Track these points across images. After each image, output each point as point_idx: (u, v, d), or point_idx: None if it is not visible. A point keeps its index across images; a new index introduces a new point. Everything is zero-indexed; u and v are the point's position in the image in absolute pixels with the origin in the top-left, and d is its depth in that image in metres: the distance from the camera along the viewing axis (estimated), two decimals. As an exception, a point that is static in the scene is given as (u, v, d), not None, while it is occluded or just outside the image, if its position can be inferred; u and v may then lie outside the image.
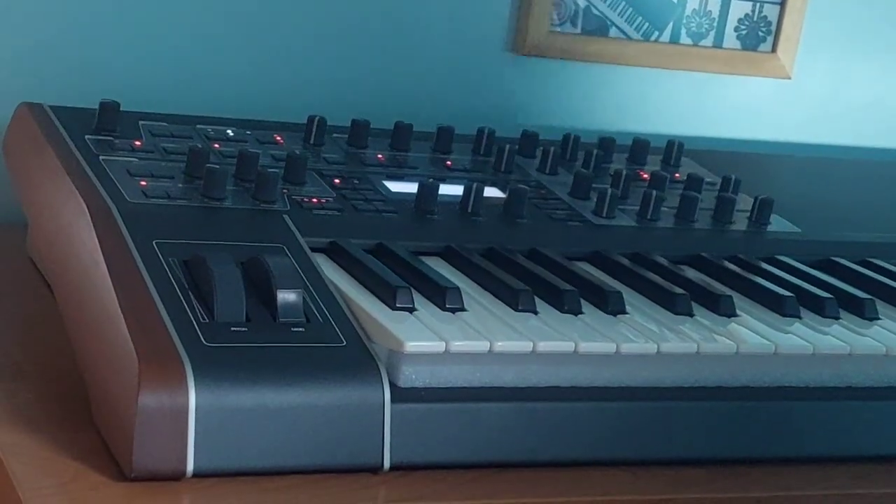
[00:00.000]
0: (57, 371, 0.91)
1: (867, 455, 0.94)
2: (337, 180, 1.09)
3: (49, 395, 0.87)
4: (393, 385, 0.83)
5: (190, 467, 0.78)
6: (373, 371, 0.83)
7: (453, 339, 0.84)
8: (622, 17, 1.40)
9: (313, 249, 0.95)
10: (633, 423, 0.88)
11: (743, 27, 1.46)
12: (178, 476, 0.78)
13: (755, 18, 1.46)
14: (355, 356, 0.84)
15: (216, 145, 1.11)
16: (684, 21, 1.43)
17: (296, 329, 0.85)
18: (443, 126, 1.21)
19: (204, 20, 1.26)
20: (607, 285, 0.97)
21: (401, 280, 0.91)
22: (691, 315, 0.96)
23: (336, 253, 0.97)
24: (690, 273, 1.05)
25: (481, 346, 0.85)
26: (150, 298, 0.84)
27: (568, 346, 0.86)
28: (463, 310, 0.90)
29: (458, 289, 0.91)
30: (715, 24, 1.45)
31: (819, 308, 1.01)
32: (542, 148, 1.21)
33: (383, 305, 0.89)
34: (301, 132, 1.17)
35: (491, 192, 1.11)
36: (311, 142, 1.16)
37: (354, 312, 0.88)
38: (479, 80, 1.36)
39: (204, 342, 0.81)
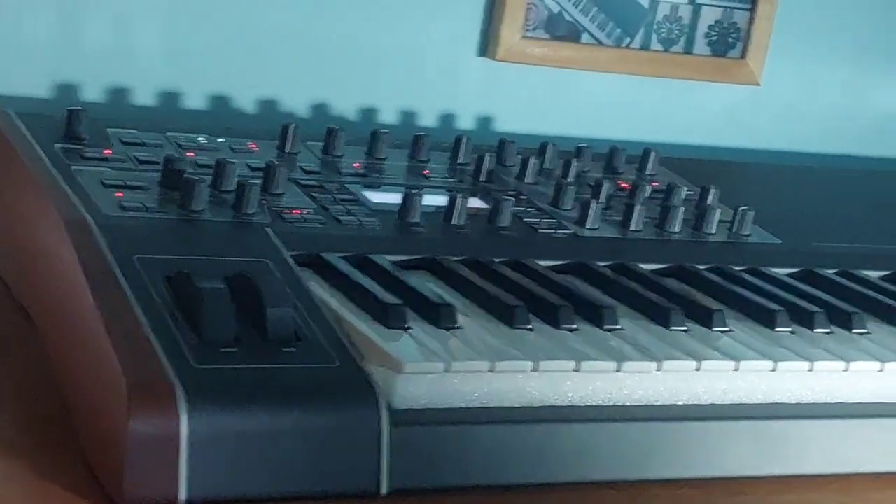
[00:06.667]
0: (35, 393, 0.87)
1: (858, 472, 0.94)
2: (315, 190, 1.06)
3: (29, 419, 0.84)
4: (390, 407, 0.80)
5: (183, 495, 0.75)
6: (369, 393, 0.80)
7: (452, 359, 0.82)
8: (594, 22, 1.39)
9: (298, 264, 0.92)
10: (633, 441, 0.86)
11: (713, 33, 1.45)
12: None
13: (725, 25, 1.45)
14: (350, 377, 0.81)
15: (189, 154, 1.08)
16: (655, 27, 1.42)
17: (287, 349, 0.82)
18: (419, 134, 1.19)
19: (178, 31, 1.23)
20: (601, 300, 0.95)
21: (394, 297, 0.88)
22: (685, 330, 0.94)
23: (322, 268, 0.94)
24: (678, 286, 1.04)
25: (481, 365, 0.82)
26: (135, 318, 0.81)
27: (568, 365, 0.85)
28: (457, 327, 0.87)
29: (451, 306, 0.88)
30: (685, 31, 1.44)
31: (809, 322, 1.00)
32: (520, 156, 1.19)
33: (376, 324, 0.86)
34: (274, 139, 1.14)
35: (472, 202, 1.09)
36: (286, 150, 1.13)
37: (346, 331, 0.85)
38: (453, 85, 1.34)
39: (194, 364, 0.78)
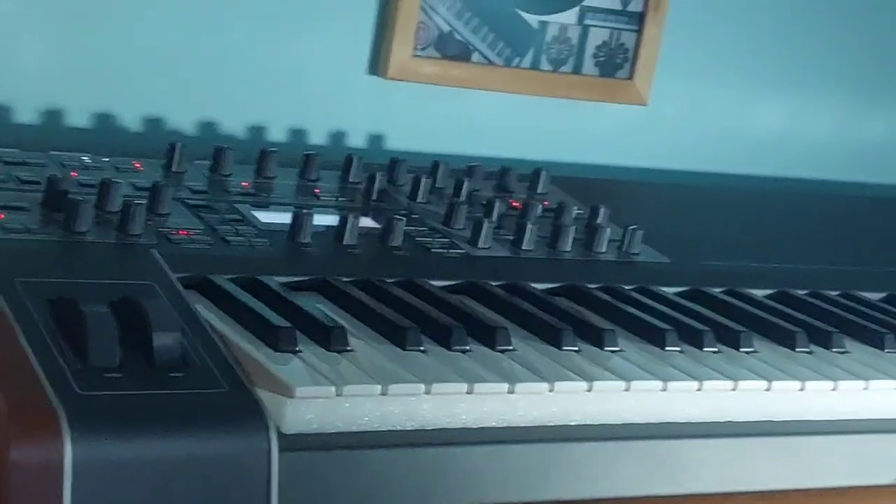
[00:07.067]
0: None
1: (747, 491, 0.94)
2: (203, 210, 1.05)
3: None
4: (279, 432, 0.79)
5: (66, 525, 0.73)
6: (258, 418, 0.79)
7: (344, 383, 0.81)
8: (484, 42, 1.39)
9: (185, 286, 0.91)
10: (526, 463, 0.86)
11: (601, 54, 1.46)
12: (53, 536, 0.73)
13: (613, 46, 1.46)
14: (239, 402, 0.79)
15: (73, 174, 1.05)
16: (544, 47, 1.42)
17: (174, 374, 0.80)
18: (309, 153, 1.18)
19: (61, 47, 1.20)
20: (493, 321, 0.95)
21: (283, 320, 0.87)
22: (577, 350, 0.94)
23: (210, 290, 0.92)
24: (569, 305, 1.04)
25: (372, 388, 0.81)
26: (17, 343, 0.78)
27: (461, 387, 0.84)
28: (349, 350, 0.86)
29: (343, 328, 0.87)
30: (574, 51, 1.45)
31: (697, 341, 1.00)
32: (412, 175, 1.19)
33: (266, 347, 0.85)
34: (160, 158, 1.12)
35: (364, 221, 1.08)
36: (173, 169, 1.11)
37: (235, 355, 0.83)
38: (343, 104, 1.33)
39: (77, 390, 0.76)
